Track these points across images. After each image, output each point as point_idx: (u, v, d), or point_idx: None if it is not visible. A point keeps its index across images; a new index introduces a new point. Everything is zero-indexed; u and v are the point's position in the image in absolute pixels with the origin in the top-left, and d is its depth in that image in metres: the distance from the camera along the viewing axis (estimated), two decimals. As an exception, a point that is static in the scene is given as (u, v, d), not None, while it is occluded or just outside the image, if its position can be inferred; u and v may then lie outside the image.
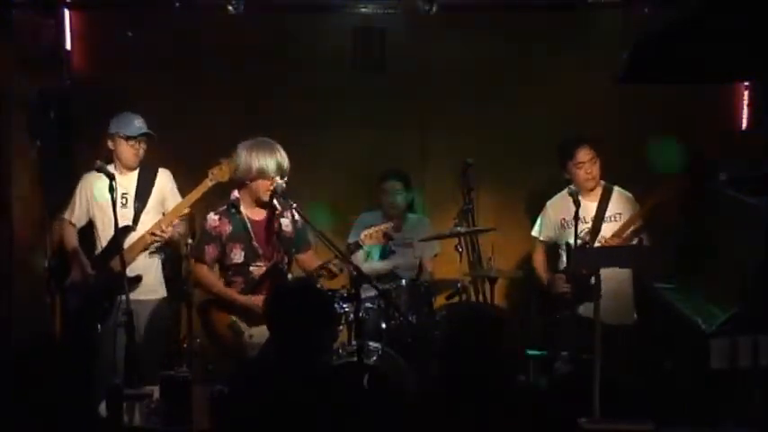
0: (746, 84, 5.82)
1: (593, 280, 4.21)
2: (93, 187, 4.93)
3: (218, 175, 4.82)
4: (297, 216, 4.65)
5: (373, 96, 5.96)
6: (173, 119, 5.86)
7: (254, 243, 4.55)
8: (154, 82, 5.86)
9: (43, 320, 5.39)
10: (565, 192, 5.12)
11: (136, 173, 4.99)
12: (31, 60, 5.41)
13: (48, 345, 5.40)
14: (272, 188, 4.47)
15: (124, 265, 4.46)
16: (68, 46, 5.86)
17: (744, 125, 5.92)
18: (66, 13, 5.83)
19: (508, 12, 5.88)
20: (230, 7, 5.56)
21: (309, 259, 4.76)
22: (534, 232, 5.29)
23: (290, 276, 4.71)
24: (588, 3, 5.67)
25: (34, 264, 5.41)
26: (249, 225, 4.56)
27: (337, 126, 5.93)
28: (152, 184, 5.00)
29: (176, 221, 4.93)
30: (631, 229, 4.94)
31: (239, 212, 4.56)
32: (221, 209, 4.59)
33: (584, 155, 5.01)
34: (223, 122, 5.83)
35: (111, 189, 4.37)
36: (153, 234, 4.84)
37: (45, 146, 5.47)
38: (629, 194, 5.09)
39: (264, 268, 4.56)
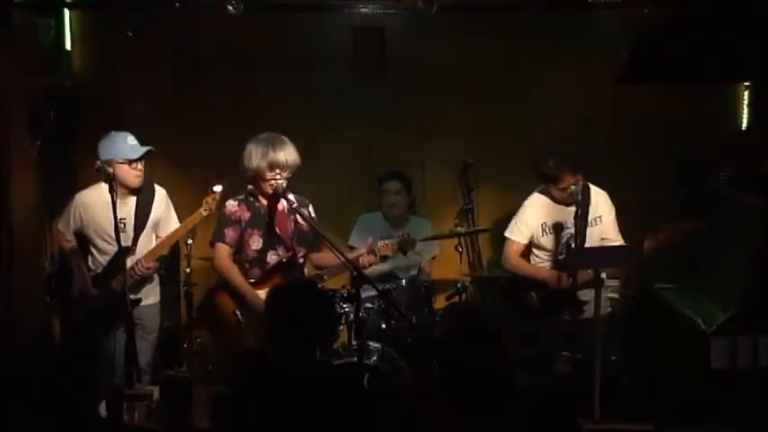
0: (746, 84, 5.83)
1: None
2: (88, 208, 4.80)
3: (212, 204, 4.66)
4: (312, 215, 4.72)
5: (373, 96, 5.97)
6: (172, 119, 5.88)
7: (274, 229, 4.61)
8: (154, 82, 5.87)
9: (43, 320, 5.39)
10: (540, 195, 4.97)
11: (134, 199, 4.82)
12: (31, 60, 5.41)
13: (48, 345, 5.40)
14: (272, 188, 4.50)
15: (126, 285, 4.47)
16: (68, 46, 5.86)
17: (744, 125, 5.92)
18: (66, 13, 5.83)
19: (508, 12, 5.88)
20: (230, 7, 5.55)
21: (325, 257, 4.77)
22: (509, 234, 5.00)
23: (305, 271, 4.76)
24: (588, 3, 5.68)
25: (34, 264, 5.40)
26: (267, 213, 4.61)
27: (337, 126, 5.94)
28: (149, 209, 4.86)
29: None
30: None
31: (258, 201, 4.64)
32: (240, 197, 4.67)
33: (567, 181, 4.74)
34: (223, 122, 5.85)
35: (111, 189, 4.37)
36: (133, 269, 4.72)
37: (45, 146, 5.46)
38: (604, 193, 4.92)
39: (280, 257, 4.59)
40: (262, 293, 4.52)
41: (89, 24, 5.92)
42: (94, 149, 4.74)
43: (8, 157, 5.10)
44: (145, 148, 4.71)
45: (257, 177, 4.55)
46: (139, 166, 4.73)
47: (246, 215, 4.63)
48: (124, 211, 4.71)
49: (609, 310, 5.01)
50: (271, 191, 4.55)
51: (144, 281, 4.84)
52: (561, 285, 4.82)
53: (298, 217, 4.67)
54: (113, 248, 4.70)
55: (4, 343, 4.94)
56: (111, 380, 4.60)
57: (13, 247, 5.05)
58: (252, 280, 4.64)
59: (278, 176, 4.49)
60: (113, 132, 4.73)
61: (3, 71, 5.03)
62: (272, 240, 4.63)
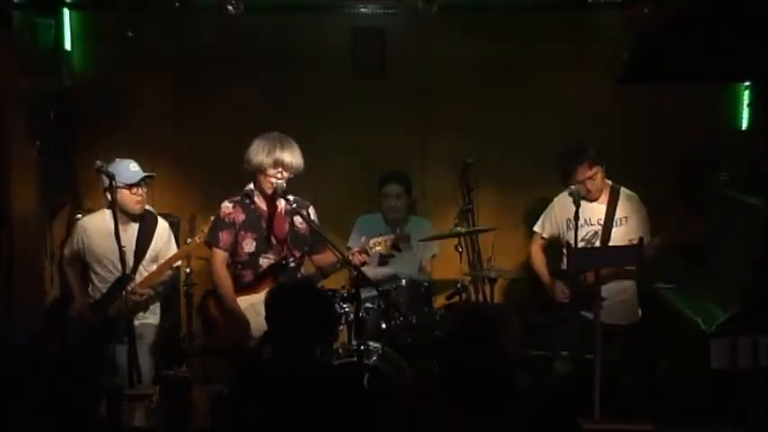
0: (746, 84, 5.83)
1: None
2: (89, 234, 4.84)
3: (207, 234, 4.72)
4: (312, 216, 4.71)
5: (373, 96, 5.97)
6: (172, 119, 5.88)
7: (266, 233, 4.61)
8: (154, 82, 5.87)
9: (43, 320, 5.39)
10: (565, 193, 5.01)
11: (136, 227, 4.84)
12: (31, 60, 5.41)
13: (48, 344, 5.40)
14: (272, 186, 4.51)
15: (128, 312, 4.51)
16: (68, 46, 5.86)
17: (744, 125, 5.92)
18: (66, 13, 5.84)
19: (508, 12, 5.89)
20: (230, 7, 5.56)
21: (326, 258, 4.77)
22: (537, 227, 5.18)
23: (303, 271, 4.76)
24: (588, 3, 5.68)
25: (34, 264, 5.40)
26: (262, 216, 4.60)
27: (337, 126, 5.94)
28: (150, 239, 4.88)
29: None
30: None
31: (253, 203, 4.64)
32: (236, 198, 4.67)
33: (582, 172, 4.84)
34: (222, 122, 5.85)
35: (111, 187, 4.40)
36: (127, 295, 4.69)
37: (45, 146, 5.46)
38: (635, 195, 4.99)
39: (273, 260, 4.60)
40: (247, 300, 4.57)
41: (89, 24, 5.92)
42: (94, 149, 4.74)
43: (8, 157, 5.10)
44: (143, 174, 4.73)
45: (258, 173, 4.54)
46: (140, 191, 4.75)
47: (241, 217, 4.63)
48: (125, 238, 4.67)
49: (639, 318, 5.03)
50: (270, 189, 4.54)
51: (138, 306, 4.85)
52: (555, 296, 4.99)
53: (295, 219, 4.65)
54: (113, 276, 4.79)
55: (4, 343, 4.94)
56: (111, 380, 4.60)
57: (13, 247, 5.05)
58: (245, 282, 4.63)
59: (279, 175, 4.49)
60: (117, 159, 4.74)
61: (3, 71, 5.03)
62: (264, 243, 4.62)
